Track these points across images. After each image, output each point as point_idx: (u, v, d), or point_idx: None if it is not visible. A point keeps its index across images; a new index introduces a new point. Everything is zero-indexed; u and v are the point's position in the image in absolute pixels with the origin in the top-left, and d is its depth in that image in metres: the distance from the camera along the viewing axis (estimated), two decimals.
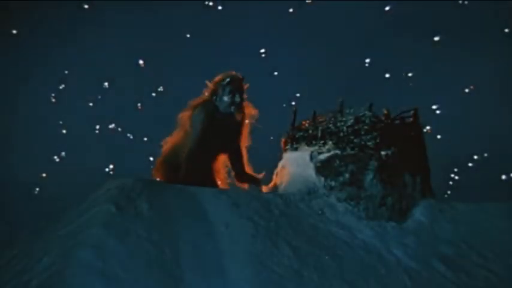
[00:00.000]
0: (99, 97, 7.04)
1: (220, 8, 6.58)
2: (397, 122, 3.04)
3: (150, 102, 6.80)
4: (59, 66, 7.08)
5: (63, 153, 6.96)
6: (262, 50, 5.95)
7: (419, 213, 2.93)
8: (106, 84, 6.91)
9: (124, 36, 7.00)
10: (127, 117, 6.92)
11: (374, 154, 2.91)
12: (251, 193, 2.99)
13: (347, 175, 2.89)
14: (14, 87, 7.13)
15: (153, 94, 6.82)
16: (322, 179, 2.93)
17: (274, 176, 3.35)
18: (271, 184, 3.33)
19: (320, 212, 2.83)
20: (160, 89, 6.77)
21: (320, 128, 3.03)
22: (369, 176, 2.88)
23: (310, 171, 2.99)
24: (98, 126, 6.99)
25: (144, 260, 2.21)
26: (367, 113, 3.00)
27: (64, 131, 7.01)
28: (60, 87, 7.09)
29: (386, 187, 2.90)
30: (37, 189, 6.90)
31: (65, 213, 2.65)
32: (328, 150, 2.98)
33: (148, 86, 6.81)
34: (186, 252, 2.33)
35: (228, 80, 3.27)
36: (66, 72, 7.09)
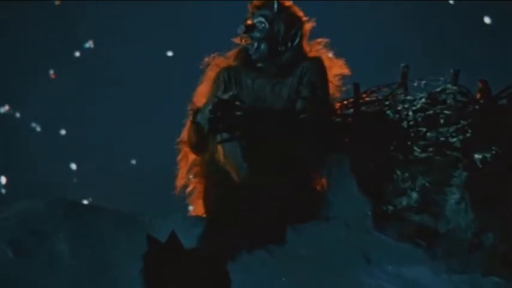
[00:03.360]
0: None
1: (219, 7, 6.56)
2: (503, 102, 1.98)
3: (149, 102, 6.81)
4: (59, 66, 7.12)
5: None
6: None
7: None
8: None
9: (123, 36, 7.00)
10: None
11: (462, 158, 1.91)
12: None
13: (415, 195, 1.88)
14: (12, 87, 7.04)
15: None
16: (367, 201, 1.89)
17: None
18: None
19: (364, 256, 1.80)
20: None
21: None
22: (453, 196, 1.89)
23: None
24: None
25: None
26: (450, 88, 1.92)
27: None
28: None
29: (483, 216, 1.90)
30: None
31: None
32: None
33: (148, 86, 6.83)
34: None
35: None
36: None
